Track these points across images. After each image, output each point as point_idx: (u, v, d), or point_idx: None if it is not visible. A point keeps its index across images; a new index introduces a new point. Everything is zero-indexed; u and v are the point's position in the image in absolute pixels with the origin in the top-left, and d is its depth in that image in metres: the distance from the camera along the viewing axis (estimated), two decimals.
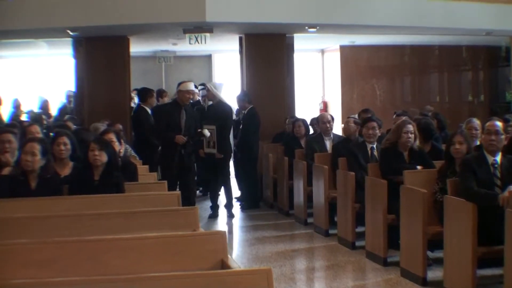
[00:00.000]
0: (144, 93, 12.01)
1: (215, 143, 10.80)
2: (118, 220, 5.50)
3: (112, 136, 7.53)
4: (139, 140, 11.76)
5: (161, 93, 14.19)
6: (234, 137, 11.68)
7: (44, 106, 15.22)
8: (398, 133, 8.22)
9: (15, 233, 5.18)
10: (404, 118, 9.30)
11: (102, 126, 9.80)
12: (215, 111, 11.08)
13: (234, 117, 11.29)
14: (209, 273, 4.04)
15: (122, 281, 3.78)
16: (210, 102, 11.34)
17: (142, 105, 11.86)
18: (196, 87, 14.17)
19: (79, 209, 5.97)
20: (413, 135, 8.17)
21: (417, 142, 8.24)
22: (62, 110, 14.61)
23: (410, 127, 8.18)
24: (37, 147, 6.45)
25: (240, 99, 11.92)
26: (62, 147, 7.05)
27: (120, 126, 10.36)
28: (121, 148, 7.88)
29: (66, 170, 7.03)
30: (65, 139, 7.10)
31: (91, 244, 4.53)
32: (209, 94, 11.30)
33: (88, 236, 4.88)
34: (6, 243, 4.54)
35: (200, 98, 13.10)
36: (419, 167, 7.92)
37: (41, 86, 17.59)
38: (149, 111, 11.68)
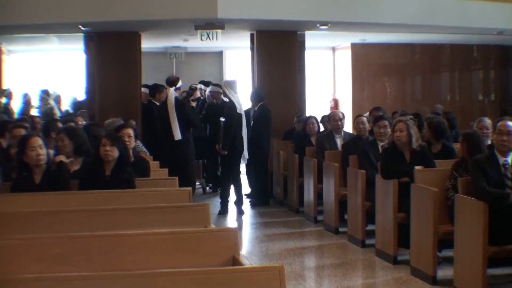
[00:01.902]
0: (154, 89, 12.02)
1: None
2: (130, 215, 5.51)
3: (130, 132, 7.63)
4: (149, 135, 11.76)
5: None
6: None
7: (56, 100, 15.23)
8: (392, 132, 8.18)
9: (27, 227, 5.20)
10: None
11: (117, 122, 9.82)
12: (222, 108, 11.24)
13: (243, 114, 11.29)
14: (223, 269, 4.04)
15: (134, 277, 3.80)
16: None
17: (152, 100, 11.86)
18: (206, 84, 14.20)
19: (90, 204, 5.99)
20: (403, 133, 7.97)
21: (414, 140, 8.01)
22: (77, 105, 14.61)
23: (400, 125, 8.01)
24: (40, 141, 6.49)
25: (251, 96, 11.97)
26: (59, 143, 7.10)
27: (134, 123, 10.36)
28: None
29: (75, 166, 7.06)
30: (62, 135, 7.14)
31: (103, 240, 4.55)
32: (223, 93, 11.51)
33: (100, 232, 4.89)
34: (19, 237, 4.57)
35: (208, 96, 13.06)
36: (417, 167, 7.67)
37: (51, 81, 17.60)
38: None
